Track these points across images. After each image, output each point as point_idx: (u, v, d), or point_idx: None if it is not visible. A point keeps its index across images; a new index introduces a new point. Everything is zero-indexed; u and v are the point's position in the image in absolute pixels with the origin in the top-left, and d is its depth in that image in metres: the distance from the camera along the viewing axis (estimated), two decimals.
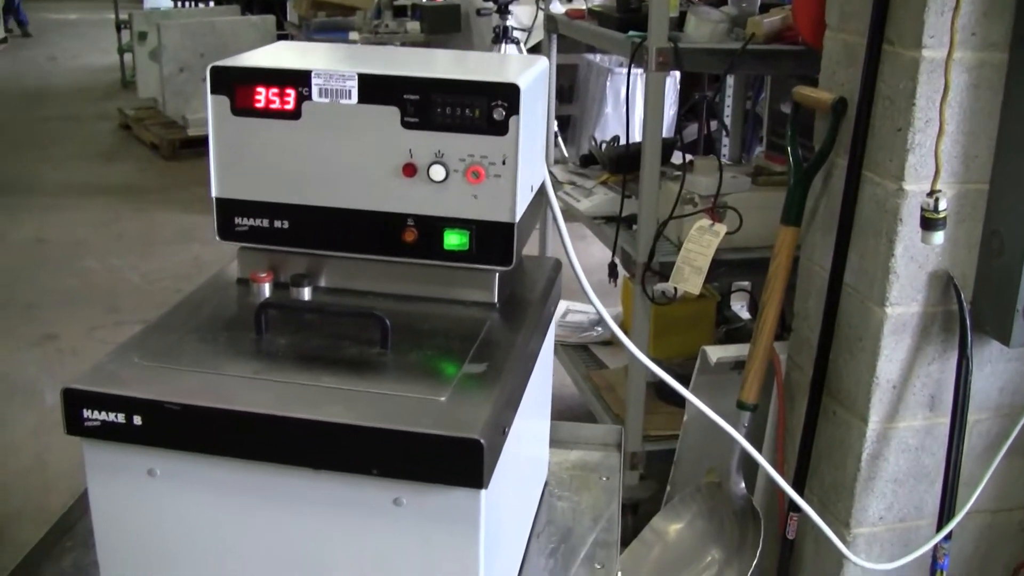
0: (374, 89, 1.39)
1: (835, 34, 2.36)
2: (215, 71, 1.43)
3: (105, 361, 1.29)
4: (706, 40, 2.85)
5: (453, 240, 1.42)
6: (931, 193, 2.04)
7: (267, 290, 1.46)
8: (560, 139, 5.24)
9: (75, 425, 1.24)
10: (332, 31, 6.86)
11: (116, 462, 1.26)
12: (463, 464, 1.16)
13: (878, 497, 2.34)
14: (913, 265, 2.20)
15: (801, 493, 2.44)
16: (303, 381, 1.25)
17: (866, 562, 2.20)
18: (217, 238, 1.48)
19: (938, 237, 2.07)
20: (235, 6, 9.69)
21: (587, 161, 3.58)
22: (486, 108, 1.37)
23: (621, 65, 6.13)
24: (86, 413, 1.23)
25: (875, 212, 2.23)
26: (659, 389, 3.27)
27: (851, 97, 2.28)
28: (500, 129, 1.38)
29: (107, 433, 1.23)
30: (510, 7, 5.59)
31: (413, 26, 6.61)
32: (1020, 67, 2.08)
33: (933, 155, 2.06)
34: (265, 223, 1.46)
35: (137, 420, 1.22)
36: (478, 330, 1.39)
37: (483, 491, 1.19)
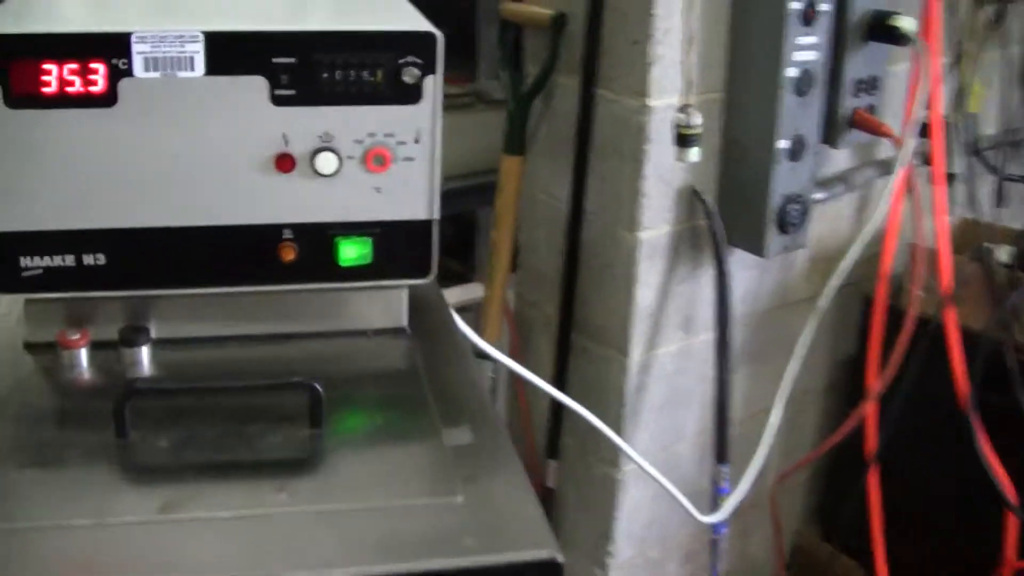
0: (229, 53, 0.92)
1: None
2: None
3: None
4: None
5: (350, 252, 0.98)
6: (683, 108, 1.80)
7: (84, 357, 0.96)
8: None
9: None
10: None
11: None
12: None
13: (642, 429, 2.11)
14: (661, 184, 1.95)
15: (558, 439, 2.17)
16: (246, 510, 0.79)
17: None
18: None
19: (694, 153, 1.84)
20: None
21: None
22: (392, 68, 0.93)
23: None
24: None
25: (616, 132, 1.95)
26: None
27: (569, 10, 1.98)
28: (412, 95, 0.95)
29: None
30: None
31: None
32: None
33: (677, 67, 1.81)
34: (69, 261, 0.95)
35: None
36: (413, 374, 0.97)
37: None
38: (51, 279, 0.94)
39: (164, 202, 0.94)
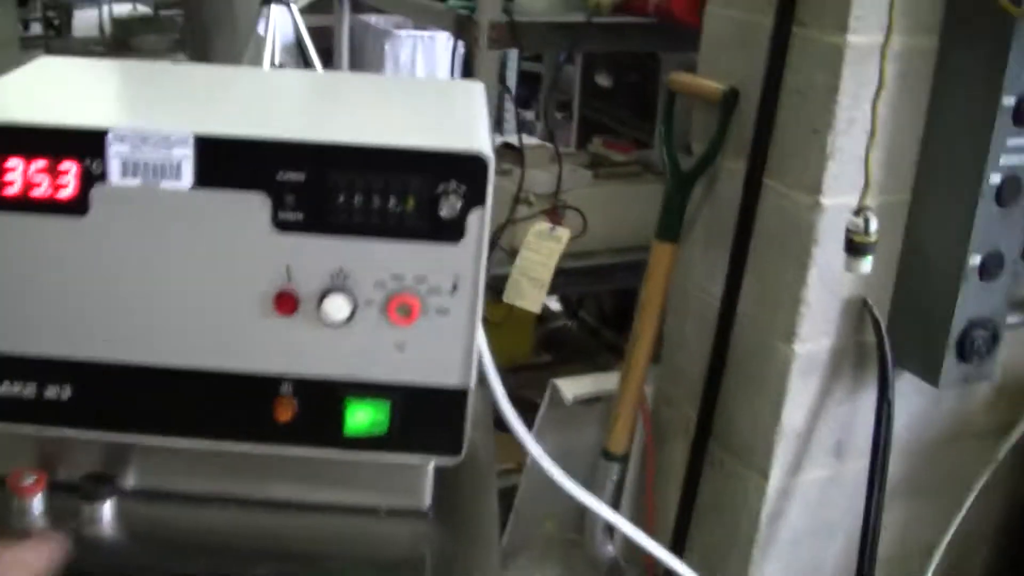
0: (224, 162, 0.72)
1: (720, 10, 1.80)
2: None
3: None
4: (544, 12, 2.21)
5: (361, 417, 0.77)
6: (859, 211, 1.53)
7: (37, 505, 0.78)
8: None
9: None
10: None
11: None
12: None
13: (774, 560, 1.85)
14: (826, 293, 1.69)
15: (681, 555, 1.92)
16: None
17: None
18: None
19: (866, 264, 1.55)
20: None
21: None
22: (428, 196, 0.73)
23: (398, 27, 5.15)
24: None
25: (782, 230, 1.70)
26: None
27: (742, 87, 1.74)
28: (451, 232, 0.74)
29: None
30: None
31: None
32: (951, 51, 1.60)
33: (858, 163, 1.54)
34: (29, 391, 0.77)
35: None
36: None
37: None
38: (7, 409, 0.78)
39: (140, 335, 0.75)
